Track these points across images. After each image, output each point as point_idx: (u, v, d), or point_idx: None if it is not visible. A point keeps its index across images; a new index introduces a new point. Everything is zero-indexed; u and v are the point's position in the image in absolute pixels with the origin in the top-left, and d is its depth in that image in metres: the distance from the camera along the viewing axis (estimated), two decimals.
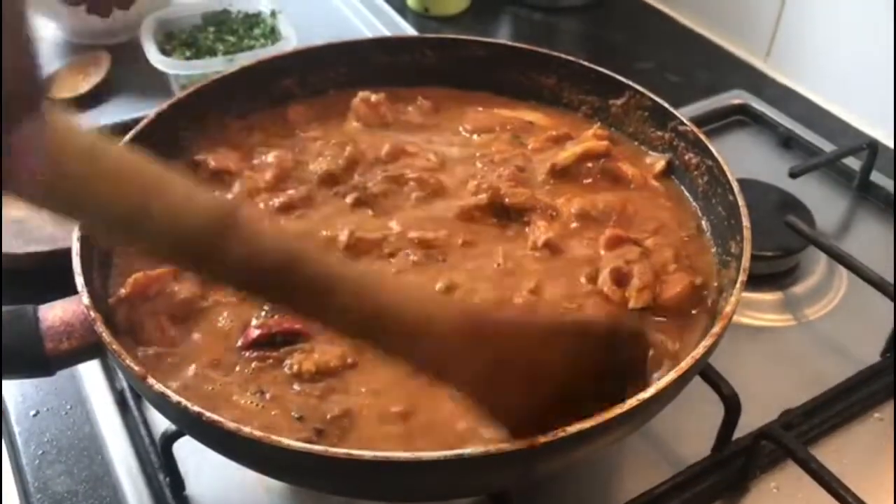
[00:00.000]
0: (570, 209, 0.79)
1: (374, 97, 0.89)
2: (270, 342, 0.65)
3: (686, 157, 0.82)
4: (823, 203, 1.04)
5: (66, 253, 0.65)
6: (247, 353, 0.66)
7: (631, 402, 0.55)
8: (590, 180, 0.83)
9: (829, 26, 1.23)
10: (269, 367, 0.65)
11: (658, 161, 0.85)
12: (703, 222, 0.80)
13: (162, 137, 0.82)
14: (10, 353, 0.62)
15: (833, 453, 0.78)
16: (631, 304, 0.69)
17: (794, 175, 1.01)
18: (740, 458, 0.75)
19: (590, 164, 0.84)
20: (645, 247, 0.74)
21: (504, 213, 0.79)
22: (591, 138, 0.86)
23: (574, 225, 0.78)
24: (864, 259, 0.87)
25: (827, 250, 0.91)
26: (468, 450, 0.52)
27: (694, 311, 0.71)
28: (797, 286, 0.95)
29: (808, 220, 0.96)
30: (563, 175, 0.83)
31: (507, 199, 0.78)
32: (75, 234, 0.67)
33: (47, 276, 0.72)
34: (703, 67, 1.35)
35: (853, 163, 1.08)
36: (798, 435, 0.77)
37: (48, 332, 0.63)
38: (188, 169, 0.82)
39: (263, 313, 0.67)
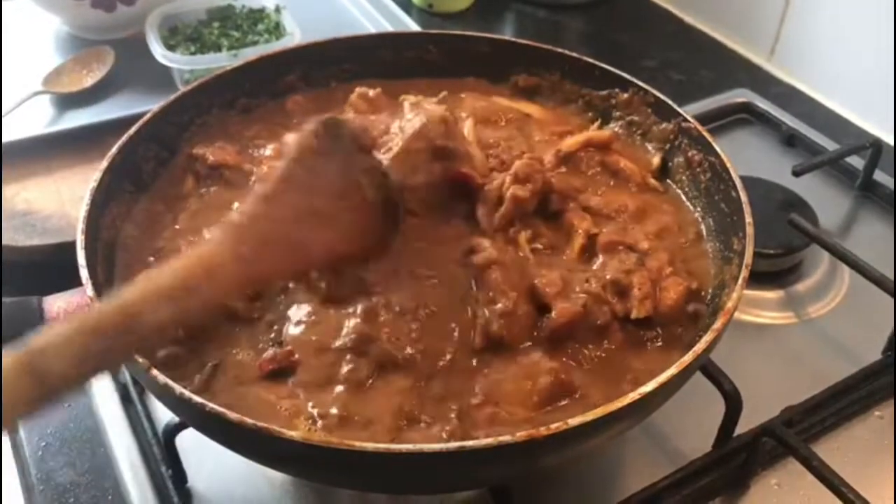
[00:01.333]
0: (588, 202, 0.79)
1: (371, 93, 0.89)
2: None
3: (689, 154, 0.82)
4: (826, 201, 1.04)
5: (71, 246, 0.66)
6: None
7: (632, 396, 0.56)
8: (592, 171, 0.83)
9: (833, 26, 1.23)
10: None
11: (654, 157, 0.85)
12: (703, 225, 0.79)
13: (165, 132, 0.82)
14: (13, 343, 0.62)
15: (834, 451, 0.78)
16: (634, 315, 0.68)
17: (797, 173, 1.01)
18: (741, 454, 0.75)
19: (592, 152, 0.84)
20: (640, 250, 0.74)
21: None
22: (592, 131, 0.86)
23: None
24: (866, 257, 0.87)
25: (830, 248, 0.91)
26: (469, 442, 0.53)
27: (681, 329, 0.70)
28: (799, 284, 0.95)
29: (811, 218, 0.96)
30: (566, 162, 0.82)
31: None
32: (80, 226, 0.67)
33: (52, 268, 0.72)
34: (707, 66, 1.35)
35: (856, 161, 1.08)
36: (799, 432, 0.77)
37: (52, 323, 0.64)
38: (187, 163, 0.82)
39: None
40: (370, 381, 0.63)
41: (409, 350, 0.65)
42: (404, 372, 0.64)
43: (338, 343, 0.65)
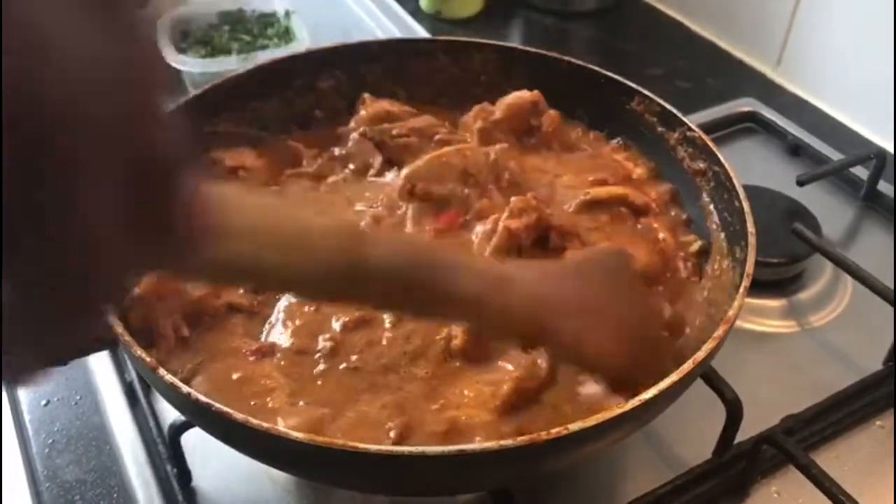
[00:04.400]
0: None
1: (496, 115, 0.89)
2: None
3: (693, 164, 0.83)
4: (830, 211, 1.05)
5: None
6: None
7: (633, 402, 0.56)
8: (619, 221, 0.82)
9: (839, 36, 1.23)
10: None
11: (694, 242, 0.82)
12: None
13: None
14: None
15: (834, 460, 0.78)
16: None
17: (801, 183, 1.01)
18: (741, 462, 0.76)
19: (622, 209, 0.82)
20: None
21: None
22: (637, 190, 0.84)
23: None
24: (869, 268, 0.87)
25: (832, 258, 0.91)
26: (471, 445, 0.53)
27: None
28: (802, 293, 0.95)
29: (814, 228, 0.96)
30: (590, 208, 0.82)
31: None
32: None
33: None
34: (713, 75, 1.35)
35: (861, 172, 1.09)
36: (799, 440, 0.77)
37: None
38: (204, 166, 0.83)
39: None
40: (339, 380, 0.67)
41: (376, 362, 0.67)
42: (370, 376, 0.67)
43: (315, 347, 0.68)
